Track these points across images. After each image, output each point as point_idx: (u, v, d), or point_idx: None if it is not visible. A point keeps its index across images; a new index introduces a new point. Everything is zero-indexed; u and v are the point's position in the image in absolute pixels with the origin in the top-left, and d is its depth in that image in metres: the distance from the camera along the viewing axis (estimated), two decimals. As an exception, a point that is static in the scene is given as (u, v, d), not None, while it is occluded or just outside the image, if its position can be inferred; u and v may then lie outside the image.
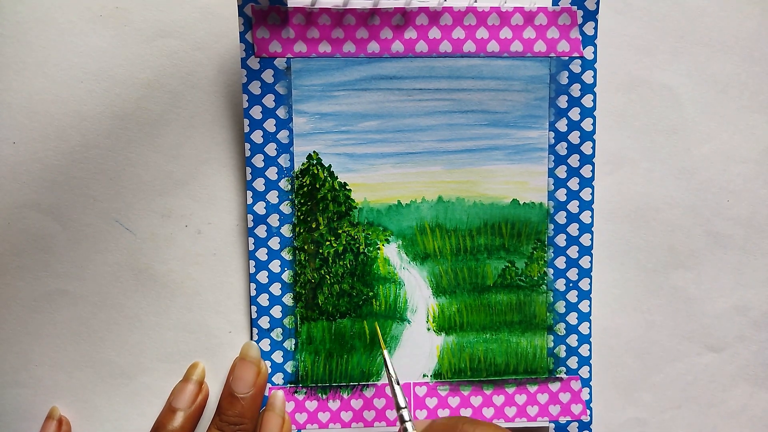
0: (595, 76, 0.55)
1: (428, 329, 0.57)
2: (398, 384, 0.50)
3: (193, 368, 0.56)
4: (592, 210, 0.56)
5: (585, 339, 0.57)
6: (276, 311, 0.55)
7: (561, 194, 0.56)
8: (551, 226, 0.56)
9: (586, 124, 0.55)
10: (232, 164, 0.55)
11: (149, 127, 0.55)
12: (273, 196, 0.54)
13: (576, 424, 0.58)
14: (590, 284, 0.57)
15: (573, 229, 0.56)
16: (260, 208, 0.54)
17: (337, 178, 0.54)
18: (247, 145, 0.54)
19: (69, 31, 0.54)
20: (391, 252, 0.56)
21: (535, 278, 0.56)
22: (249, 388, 0.53)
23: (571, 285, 0.57)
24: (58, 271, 0.55)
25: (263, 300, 0.55)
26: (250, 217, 0.54)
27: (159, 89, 0.54)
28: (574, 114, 0.55)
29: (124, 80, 0.54)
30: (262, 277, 0.55)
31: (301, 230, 0.55)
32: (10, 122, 0.54)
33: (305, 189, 0.54)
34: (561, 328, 0.57)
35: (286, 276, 0.55)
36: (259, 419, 0.53)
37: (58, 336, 0.55)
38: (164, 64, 0.54)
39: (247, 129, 0.53)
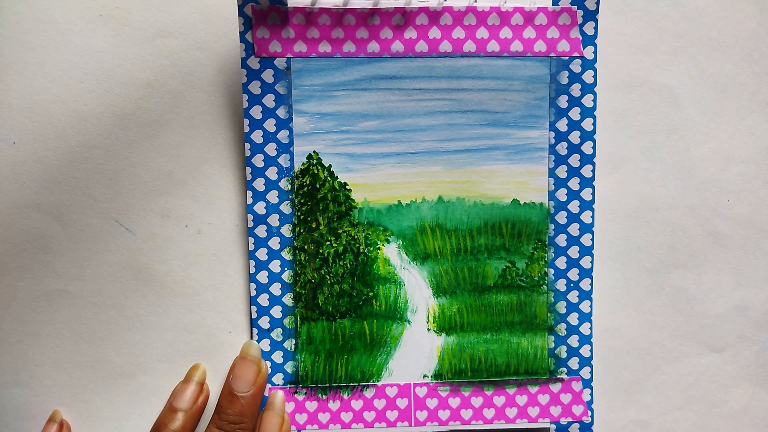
0: (595, 76, 0.55)
1: (429, 329, 0.56)
2: None
3: (194, 369, 0.56)
4: (592, 210, 0.56)
5: (586, 339, 0.57)
6: (276, 311, 0.55)
7: (561, 194, 0.56)
8: (552, 226, 0.56)
9: (587, 124, 0.55)
10: (232, 164, 0.55)
11: (149, 127, 0.55)
12: (273, 196, 0.54)
13: (577, 425, 0.57)
14: (591, 284, 0.57)
15: (573, 229, 0.56)
16: (260, 208, 0.54)
17: (337, 178, 0.54)
18: (247, 145, 0.53)
19: (69, 31, 0.54)
20: (392, 252, 0.56)
21: (536, 278, 0.56)
22: (249, 387, 0.53)
23: (571, 285, 0.57)
24: (58, 271, 0.55)
25: (263, 300, 0.55)
26: (250, 217, 0.54)
27: (159, 89, 0.54)
28: (575, 114, 0.55)
29: (124, 80, 0.54)
30: (262, 277, 0.55)
31: (301, 230, 0.55)
32: (11, 122, 0.54)
33: (305, 189, 0.54)
34: (562, 328, 0.57)
35: (286, 276, 0.55)
36: (259, 418, 0.53)
37: (58, 336, 0.55)
38: (164, 64, 0.54)
39: (247, 129, 0.53)
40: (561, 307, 0.57)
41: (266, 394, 0.55)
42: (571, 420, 0.57)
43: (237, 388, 0.52)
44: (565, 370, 0.57)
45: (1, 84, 0.54)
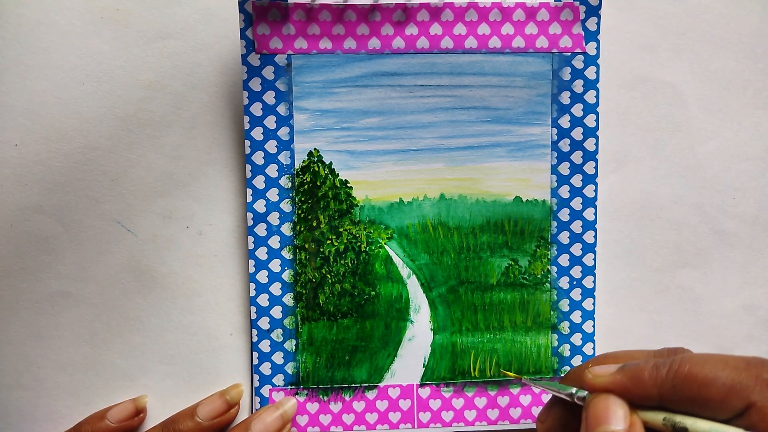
0: (597, 72, 0.54)
1: (431, 329, 0.56)
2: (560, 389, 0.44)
3: (233, 387, 0.55)
4: (595, 207, 0.55)
5: (589, 337, 0.56)
6: (276, 311, 0.55)
7: (564, 191, 0.55)
8: (554, 224, 0.56)
9: (589, 120, 0.55)
10: (233, 165, 0.55)
11: (151, 128, 0.55)
12: (273, 194, 0.54)
13: (582, 425, 0.57)
14: (594, 282, 0.56)
15: (576, 226, 0.56)
16: (260, 206, 0.54)
17: (338, 175, 0.54)
18: (247, 142, 0.53)
19: (70, 33, 0.54)
20: (393, 250, 0.55)
21: (539, 276, 0.56)
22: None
23: (574, 283, 0.56)
24: (60, 273, 0.55)
25: (263, 300, 0.55)
26: (249, 215, 0.54)
27: (160, 91, 0.54)
28: (577, 110, 0.55)
29: (125, 82, 0.54)
30: (262, 276, 0.54)
31: (302, 228, 0.54)
32: (12, 124, 0.54)
33: (306, 186, 0.54)
34: (565, 326, 0.56)
35: (287, 275, 0.55)
36: (260, 410, 0.53)
37: (60, 338, 0.55)
38: (165, 65, 0.55)
39: (247, 126, 0.53)
40: (564, 305, 0.56)
41: (267, 395, 0.55)
42: (576, 422, 0.57)
43: (254, 429, 0.52)
44: (568, 368, 0.56)
45: (3, 86, 0.54)
